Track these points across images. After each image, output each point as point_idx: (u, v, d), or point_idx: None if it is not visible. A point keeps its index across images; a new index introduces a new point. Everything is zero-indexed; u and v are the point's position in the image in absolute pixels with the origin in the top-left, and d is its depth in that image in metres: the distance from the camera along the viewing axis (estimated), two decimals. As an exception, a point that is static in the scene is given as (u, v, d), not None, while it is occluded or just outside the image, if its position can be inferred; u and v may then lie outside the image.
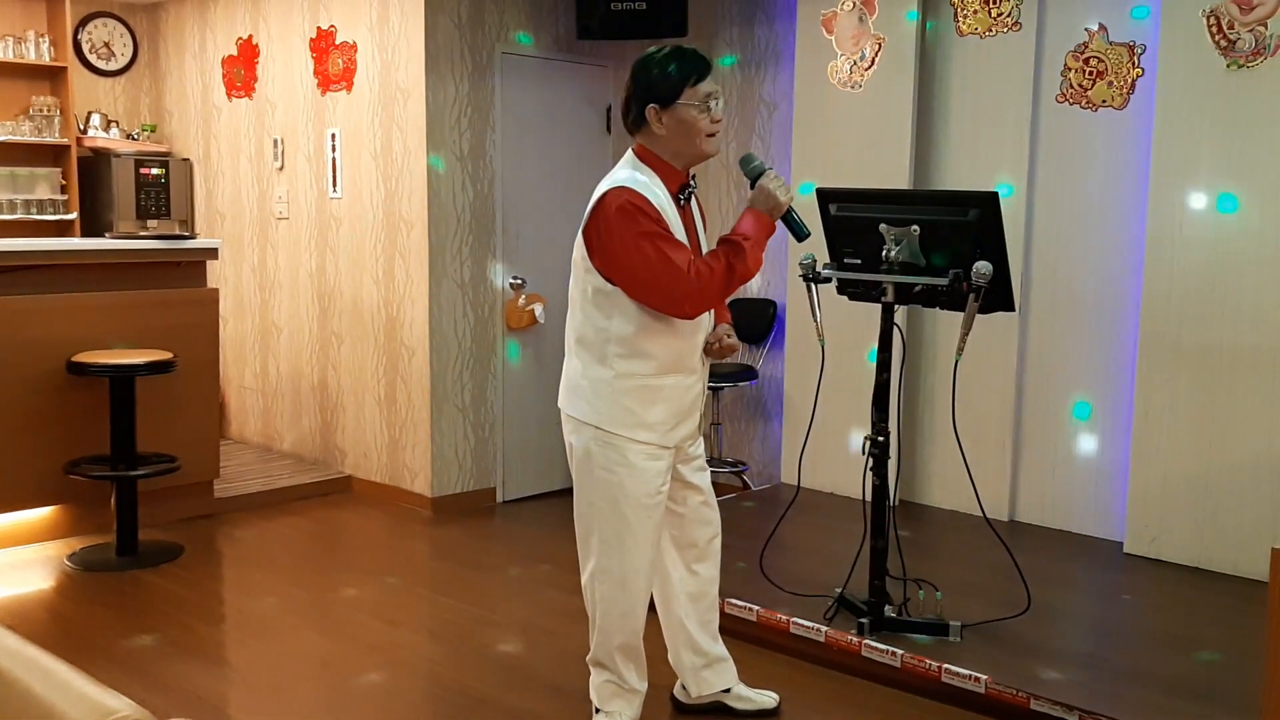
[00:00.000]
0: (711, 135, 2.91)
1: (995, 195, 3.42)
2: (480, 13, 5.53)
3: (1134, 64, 4.62)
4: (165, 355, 4.82)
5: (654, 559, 3.08)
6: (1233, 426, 4.32)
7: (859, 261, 3.70)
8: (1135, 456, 4.57)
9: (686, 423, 3.02)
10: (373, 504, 5.76)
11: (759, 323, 5.73)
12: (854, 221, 3.69)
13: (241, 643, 3.93)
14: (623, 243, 2.79)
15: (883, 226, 3.59)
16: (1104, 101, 4.71)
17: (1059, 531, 4.93)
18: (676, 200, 2.92)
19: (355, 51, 5.72)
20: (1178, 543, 4.47)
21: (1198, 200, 4.35)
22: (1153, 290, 4.48)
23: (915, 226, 3.52)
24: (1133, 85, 4.63)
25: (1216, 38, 4.24)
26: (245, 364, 6.74)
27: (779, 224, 2.96)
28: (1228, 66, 4.23)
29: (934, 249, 3.52)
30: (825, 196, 3.79)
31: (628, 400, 2.91)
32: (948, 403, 5.18)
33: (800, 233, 2.94)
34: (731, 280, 2.83)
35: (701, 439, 3.19)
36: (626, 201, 2.79)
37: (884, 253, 3.59)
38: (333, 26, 5.85)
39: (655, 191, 2.86)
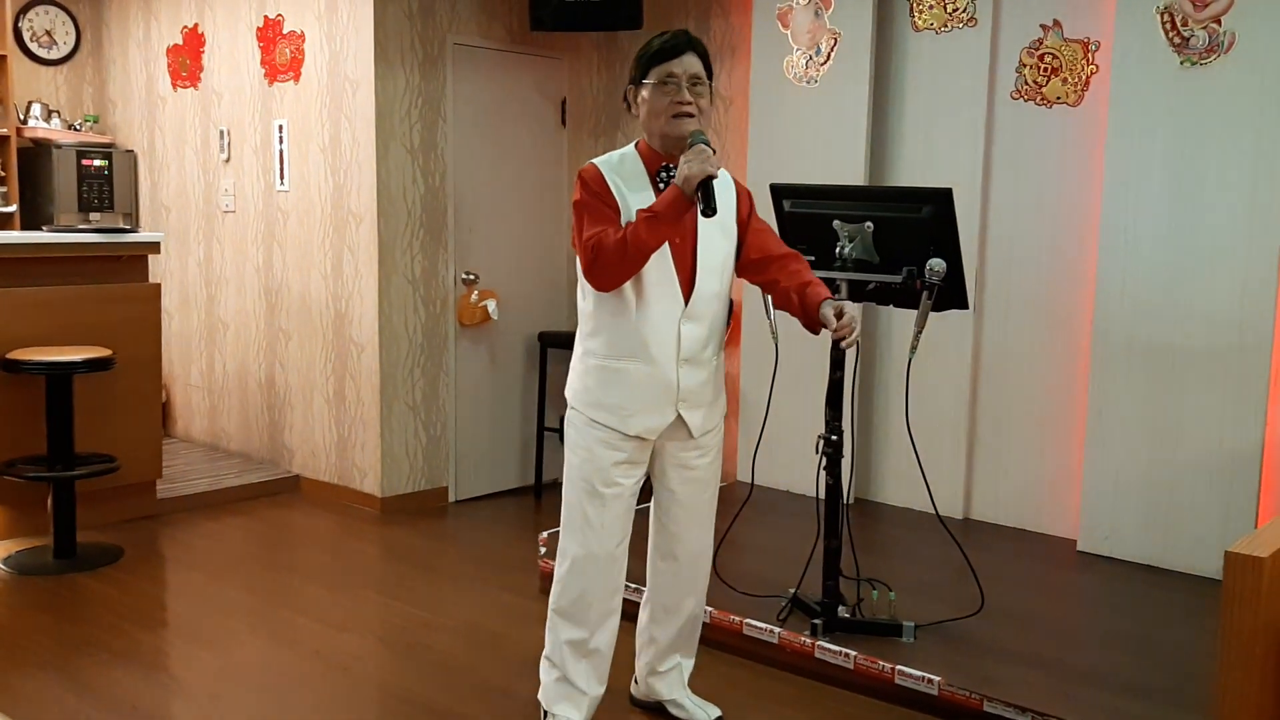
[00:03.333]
0: (678, 116, 2.82)
1: (949, 192, 3.38)
2: (431, 2, 5.42)
3: (1089, 61, 4.60)
4: (104, 352, 4.69)
5: (613, 555, 2.99)
6: (1185, 425, 4.32)
7: (813, 258, 3.63)
8: (1088, 455, 4.57)
9: (649, 414, 2.92)
10: (321, 504, 5.65)
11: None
12: (808, 218, 3.65)
13: (181, 649, 3.81)
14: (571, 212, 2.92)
15: (836, 223, 3.55)
16: (1059, 98, 4.69)
17: (1013, 529, 4.92)
18: (655, 182, 2.88)
19: (303, 41, 5.60)
20: (1130, 541, 4.46)
21: (1151, 199, 4.34)
22: (1106, 289, 4.47)
23: (869, 223, 3.48)
24: (1087, 82, 4.61)
25: (1170, 35, 4.23)
26: (191, 361, 6.59)
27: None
28: (1181, 64, 4.23)
29: (888, 246, 3.48)
30: (779, 192, 3.74)
31: (589, 379, 2.95)
32: (901, 400, 5.16)
33: (704, 208, 2.72)
34: (625, 252, 2.73)
35: (705, 452, 3.03)
36: (581, 172, 2.89)
37: (837, 250, 3.54)
38: (280, 15, 5.72)
39: (624, 169, 2.88)
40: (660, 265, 2.86)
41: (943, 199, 3.37)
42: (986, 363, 4.97)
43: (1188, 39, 4.19)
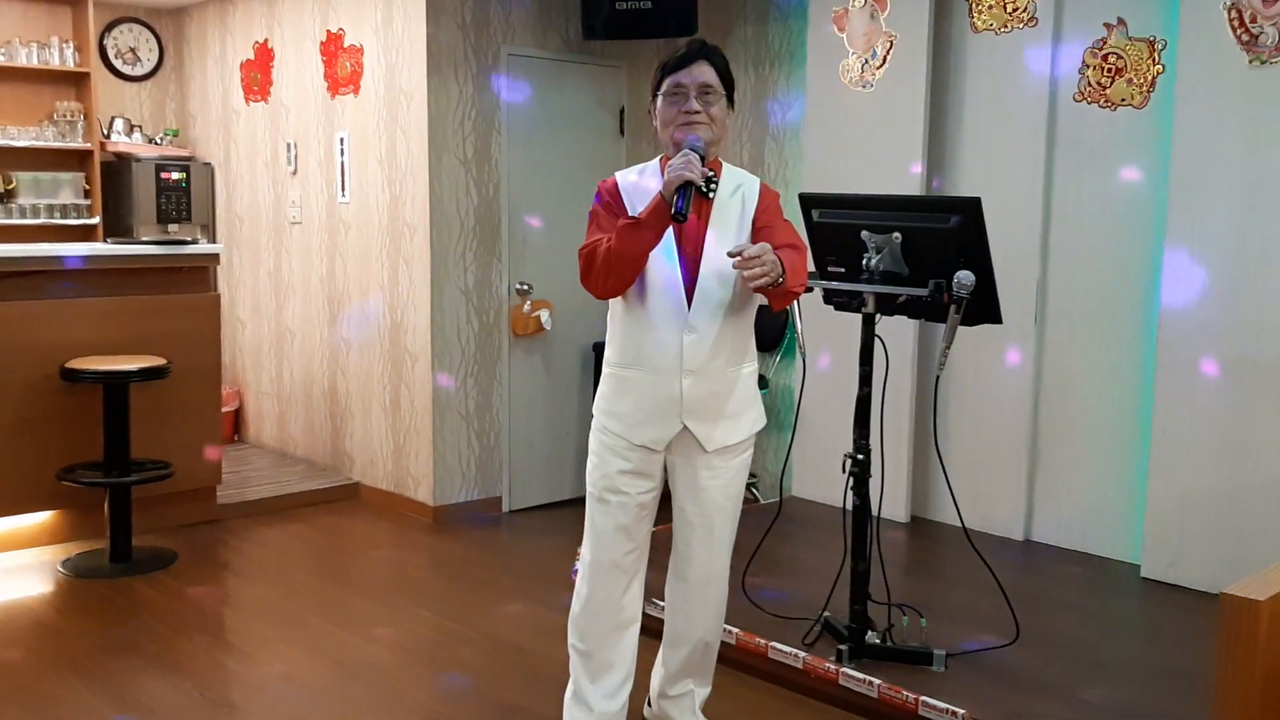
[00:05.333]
0: (687, 125, 2.78)
1: (978, 201, 3.22)
2: (485, 14, 5.43)
3: (1154, 60, 4.36)
4: (159, 361, 4.79)
5: (618, 564, 2.94)
6: (1257, 444, 4.05)
7: (842, 269, 3.52)
8: (1153, 475, 4.32)
9: (654, 425, 2.86)
10: (378, 512, 5.69)
11: (771, 330, 5.55)
12: (836, 228, 3.52)
13: (210, 656, 3.86)
14: None
15: (865, 233, 3.42)
16: (1123, 100, 4.46)
17: (1075, 553, 4.68)
18: None
19: (362, 54, 5.66)
20: (1197, 567, 4.21)
21: (1220, 204, 4.09)
22: (1172, 299, 4.22)
23: (896, 234, 3.34)
24: (1153, 83, 4.38)
25: (1239, 32, 3.98)
26: (262, 368, 6.73)
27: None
28: (1250, 62, 3.97)
29: (916, 257, 3.33)
30: (807, 202, 3.62)
31: (605, 386, 2.97)
32: (960, 415, 4.98)
33: (673, 213, 2.61)
34: (609, 260, 2.70)
35: (718, 473, 2.92)
36: (600, 183, 2.92)
37: (864, 261, 3.41)
38: (341, 29, 5.80)
39: (642, 181, 2.87)
40: (665, 273, 2.81)
41: (971, 209, 3.21)
42: (1048, 377, 4.75)
43: (1257, 36, 3.94)
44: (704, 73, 2.78)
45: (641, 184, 2.88)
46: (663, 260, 2.80)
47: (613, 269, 2.72)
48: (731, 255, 2.65)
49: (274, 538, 5.26)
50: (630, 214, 2.78)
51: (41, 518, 5.01)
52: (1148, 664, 3.64)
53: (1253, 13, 3.94)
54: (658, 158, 2.94)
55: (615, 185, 2.90)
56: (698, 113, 2.78)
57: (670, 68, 2.82)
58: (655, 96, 2.86)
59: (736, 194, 2.87)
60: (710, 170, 2.81)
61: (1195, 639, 3.82)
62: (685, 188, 2.61)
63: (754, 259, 2.59)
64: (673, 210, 2.61)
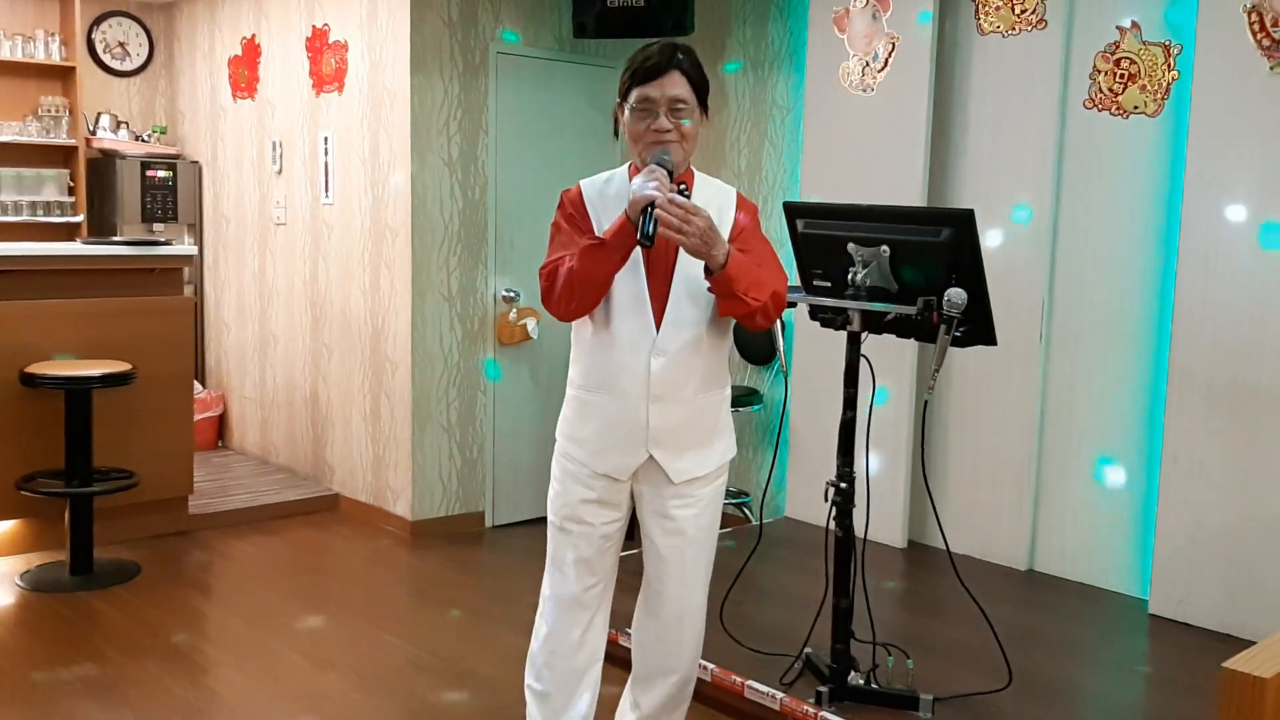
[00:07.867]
0: (656, 144, 2.54)
1: (970, 214, 2.99)
2: (473, 10, 5.22)
3: (1169, 66, 4.12)
4: (123, 367, 4.61)
5: (580, 599, 2.72)
6: (1272, 476, 3.80)
7: (828, 284, 3.30)
8: (1163, 506, 4.07)
9: (618, 453, 2.65)
10: (356, 525, 5.49)
11: (763, 345, 5.33)
12: (822, 240, 3.29)
13: (157, 680, 3.66)
14: None
15: (851, 246, 3.19)
16: (1136, 108, 4.22)
17: (1080, 585, 4.43)
18: None
19: (346, 51, 5.46)
20: (1207, 605, 3.96)
21: (1237, 219, 3.84)
22: (1185, 320, 3.98)
23: (884, 247, 3.11)
24: (1168, 89, 4.13)
25: (1259, 37, 3.74)
26: (245, 373, 6.54)
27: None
28: (1272, 69, 3.72)
29: (905, 272, 3.10)
30: (793, 211, 3.39)
31: (568, 409, 2.76)
32: (962, 438, 4.74)
33: (639, 235, 2.39)
34: (571, 282, 2.48)
35: (689, 503, 2.69)
36: (563, 193, 2.69)
37: (850, 275, 3.18)
38: (326, 24, 5.61)
39: (609, 190, 2.64)
40: (634, 292, 2.58)
41: (963, 222, 2.98)
42: (1053, 399, 4.51)
43: (1278, 41, 3.69)
44: (675, 86, 2.53)
45: (609, 194, 2.65)
46: (630, 279, 2.58)
47: (575, 292, 2.50)
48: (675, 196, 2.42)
49: (244, 552, 5.07)
50: (596, 229, 2.57)
51: (1, 528, 4.83)
52: (1151, 712, 3.40)
53: (1274, 16, 3.69)
54: (627, 165, 2.70)
55: (580, 196, 2.66)
56: (668, 130, 2.55)
57: (639, 78, 2.56)
58: (623, 104, 2.63)
59: (710, 208, 2.64)
60: (682, 183, 2.59)
61: (1203, 685, 3.57)
62: (653, 208, 2.38)
63: (681, 208, 2.38)
64: (639, 234, 2.39)
